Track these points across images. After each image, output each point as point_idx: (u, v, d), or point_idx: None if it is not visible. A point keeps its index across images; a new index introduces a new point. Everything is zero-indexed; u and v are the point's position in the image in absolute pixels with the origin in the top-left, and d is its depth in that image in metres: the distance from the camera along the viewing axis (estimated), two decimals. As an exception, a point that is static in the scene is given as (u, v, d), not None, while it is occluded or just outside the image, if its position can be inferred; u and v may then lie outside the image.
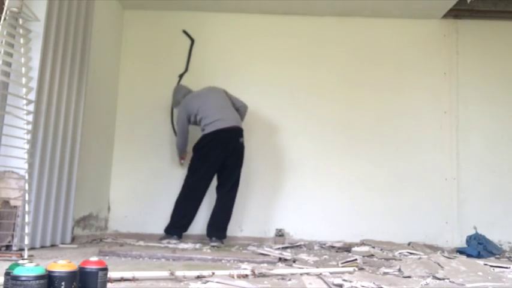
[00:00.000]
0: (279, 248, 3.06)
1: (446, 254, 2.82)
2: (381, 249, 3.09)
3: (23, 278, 1.01)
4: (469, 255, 3.04)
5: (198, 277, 1.69)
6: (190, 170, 3.49)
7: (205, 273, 1.72)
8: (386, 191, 3.97)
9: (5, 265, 1.23)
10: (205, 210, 3.67)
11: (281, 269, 1.98)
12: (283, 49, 4.18)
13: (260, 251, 2.71)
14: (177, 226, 3.42)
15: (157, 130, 4.10)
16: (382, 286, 1.60)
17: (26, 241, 2.26)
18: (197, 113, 3.52)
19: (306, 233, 3.89)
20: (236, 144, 3.47)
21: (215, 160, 3.42)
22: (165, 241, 3.24)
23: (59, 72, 2.77)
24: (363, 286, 1.57)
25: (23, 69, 2.46)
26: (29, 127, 2.44)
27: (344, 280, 1.66)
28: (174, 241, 3.24)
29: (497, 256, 3.24)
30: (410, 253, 2.91)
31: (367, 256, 2.69)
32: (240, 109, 3.66)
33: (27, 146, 2.41)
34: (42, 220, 2.62)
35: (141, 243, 3.25)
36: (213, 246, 3.17)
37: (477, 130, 4.06)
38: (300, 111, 4.09)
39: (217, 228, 3.44)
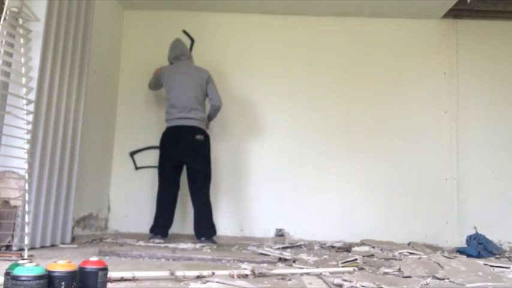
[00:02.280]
0: (279, 248, 3.06)
1: (446, 254, 2.82)
2: (381, 249, 3.09)
3: (23, 278, 1.01)
4: (469, 255, 3.03)
5: (198, 277, 1.69)
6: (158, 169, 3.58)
7: (205, 273, 1.72)
8: (386, 191, 3.97)
9: (5, 265, 1.23)
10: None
11: (281, 269, 1.98)
12: (283, 49, 4.18)
13: (260, 251, 2.71)
14: (157, 225, 3.44)
15: (158, 130, 4.09)
16: (382, 286, 1.60)
17: (26, 241, 2.26)
18: (165, 90, 3.59)
19: (306, 233, 3.89)
20: (191, 141, 3.42)
21: (169, 156, 3.46)
22: (150, 240, 3.28)
23: (59, 72, 2.77)
24: (363, 286, 1.57)
25: (23, 69, 2.46)
26: (29, 127, 2.45)
27: (344, 280, 1.66)
28: (158, 240, 3.27)
29: (497, 256, 3.24)
30: (410, 253, 2.91)
31: (367, 256, 2.69)
32: (212, 106, 3.55)
33: (27, 146, 2.41)
34: (42, 220, 2.62)
35: (141, 243, 3.25)
36: (204, 246, 3.16)
37: (477, 130, 4.06)
38: (299, 111, 4.09)
39: (202, 227, 3.42)
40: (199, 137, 3.44)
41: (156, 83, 3.74)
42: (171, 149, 3.45)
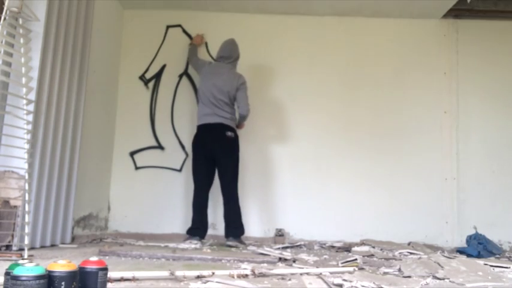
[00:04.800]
0: (279, 248, 3.06)
1: (446, 254, 2.82)
2: (381, 249, 3.09)
3: (23, 278, 1.01)
4: (469, 255, 3.04)
5: (198, 277, 1.69)
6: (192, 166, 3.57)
7: (205, 273, 1.72)
8: (386, 190, 3.97)
9: (5, 265, 1.23)
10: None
11: (281, 269, 1.98)
12: (283, 49, 4.18)
13: (260, 251, 2.71)
14: (195, 226, 3.41)
15: (158, 130, 4.10)
16: (382, 286, 1.60)
17: (26, 241, 2.26)
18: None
19: (306, 233, 3.89)
20: (222, 137, 3.43)
21: (202, 154, 3.46)
22: (187, 242, 3.19)
23: (59, 72, 2.76)
24: (363, 286, 1.57)
25: (23, 69, 2.46)
26: (29, 127, 2.44)
27: (344, 280, 1.66)
28: (195, 241, 3.20)
29: (497, 256, 3.24)
30: (410, 253, 2.91)
31: (367, 256, 2.69)
32: (240, 114, 3.57)
33: (27, 146, 2.41)
34: (42, 220, 2.62)
35: (141, 243, 3.25)
36: (229, 246, 3.20)
37: (477, 130, 4.06)
38: (299, 111, 4.09)
39: (231, 227, 3.41)
40: (229, 133, 3.45)
41: (195, 64, 3.90)
42: (203, 146, 3.46)
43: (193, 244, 3.11)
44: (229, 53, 3.65)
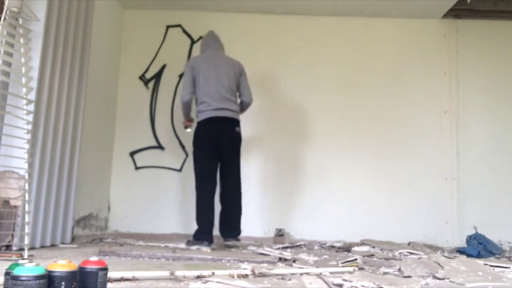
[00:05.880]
0: (279, 248, 3.06)
1: (446, 254, 2.82)
2: (381, 249, 3.09)
3: (23, 278, 1.01)
4: (469, 255, 3.04)
5: (198, 277, 1.69)
6: (194, 169, 3.32)
7: (205, 273, 1.72)
8: (386, 190, 3.97)
9: (5, 265, 1.23)
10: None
11: (281, 269, 1.98)
12: (283, 49, 4.18)
13: (260, 251, 2.71)
14: (204, 230, 3.11)
15: (158, 130, 4.10)
16: (382, 286, 1.60)
17: (26, 241, 2.25)
18: (196, 82, 3.25)
19: (306, 233, 3.89)
20: (231, 133, 3.25)
21: (209, 150, 3.20)
22: (194, 248, 2.94)
23: (59, 72, 2.76)
24: (363, 286, 1.57)
25: (23, 69, 2.46)
26: (29, 127, 2.44)
27: (344, 280, 1.66)
28: (205, 248, 2.90)
29: (497, 256, 3.24)
30: (410, 253, 2.91)
31: (367, 256, 2.69)
32: (243, 102, 3.40)
33: (27, 146, 2.41)
34: (42, 220, 2.62)
35: (141, 243, 3.25)
36: (228, 246, 3.12)
37: (477, 130, 4.06)
38: (299, 111, 4.09)
39: (232, 228, 3.25)
40: (238, 129, 3.29)
41: (190, 84, 3.28)
42: (211, 142, 3.19)
43: (204, 251, 2.80)
44: (220, 43, 3.46)
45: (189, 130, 3.61)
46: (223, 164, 3.30)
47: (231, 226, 3.25)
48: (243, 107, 3.44)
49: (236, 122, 3.29)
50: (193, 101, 3.35)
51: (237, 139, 3.32)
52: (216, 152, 3.23)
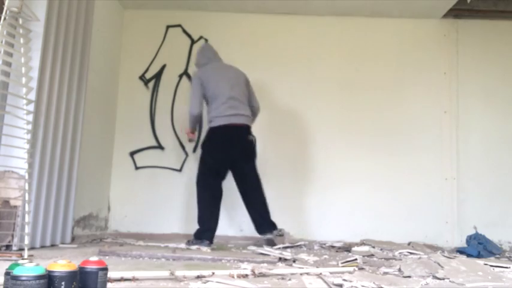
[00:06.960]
0: (279, 248, 3.06)
1: (446, 254, 2.82)
2: (381, 249, 3.09)
3: (23, 278, 1.01)
4: (469, 255, 3.03)
5: (198, 277, 1.69)
6: (199, 169, 3.32)
7: (205, 273, 1.72)
8: (386, 190, 3.97)
9: (5, 265, 1.23)
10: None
11: (281, 269, 1.98)
12: (283, 49, 4.18)
13: (260, 251, 2.71)
14: (207, 230, 3.14)
15: (158, 130, 4.10)
16: (382, 286, 1.60)
17: (26, 241, 2.26)
18: (207, 93, 3.25)
19: (306, 233, 3.89)
20: (244, 142, 3.27)
21: (221, 158, 3.23)
22: (194, 247, 2.95)
23: (59, 72, 2.77)
24: (363, 286, 1.57)
25: (23, 69, 2.46)
26: (29, 127, 2.45)
27: (344, 280, 1.66)
28: (205, 247, 2.92)
29: (497, 256, 3.24)
30: (410, 253, 2.91)
31: (367, 256, 2.69)
32: (253, 109, 3.43)
33: (27, 146, 2.41)
34: (42, 220, 2.62)
35: (141, 243, 3.25)
36: (269, 239, 3.19)
37: (477, 130, 4.06)
38: (299, 111, 4.09)
39: (268, 224, 3.29)
40: (251, 137, 3.30)
41: (200, 97, 3.26)
42: (223, 150, 3.22)
43: (203, 250, 2.82)
44: (218, 54, 3.49)
45: (192, 142, 3.79)
46: (238, 169, 3.33)
47: (266, 222, 3.30)
48: (254, 114, 3.46)
49: (249, 130, 3.32)
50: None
51: (250, 147, 3.32)
52: (226, 158, 3.26)
